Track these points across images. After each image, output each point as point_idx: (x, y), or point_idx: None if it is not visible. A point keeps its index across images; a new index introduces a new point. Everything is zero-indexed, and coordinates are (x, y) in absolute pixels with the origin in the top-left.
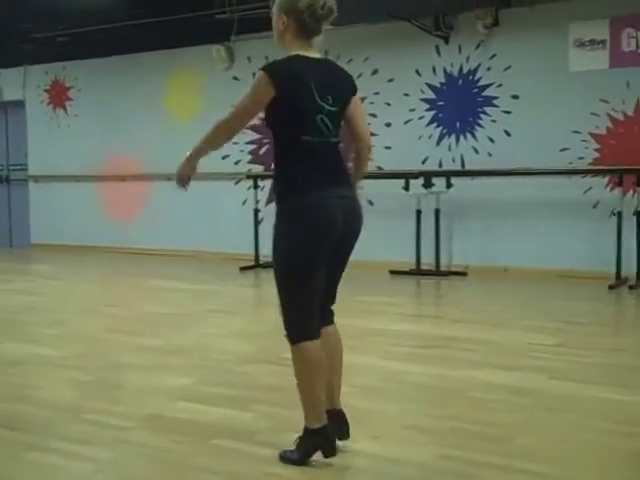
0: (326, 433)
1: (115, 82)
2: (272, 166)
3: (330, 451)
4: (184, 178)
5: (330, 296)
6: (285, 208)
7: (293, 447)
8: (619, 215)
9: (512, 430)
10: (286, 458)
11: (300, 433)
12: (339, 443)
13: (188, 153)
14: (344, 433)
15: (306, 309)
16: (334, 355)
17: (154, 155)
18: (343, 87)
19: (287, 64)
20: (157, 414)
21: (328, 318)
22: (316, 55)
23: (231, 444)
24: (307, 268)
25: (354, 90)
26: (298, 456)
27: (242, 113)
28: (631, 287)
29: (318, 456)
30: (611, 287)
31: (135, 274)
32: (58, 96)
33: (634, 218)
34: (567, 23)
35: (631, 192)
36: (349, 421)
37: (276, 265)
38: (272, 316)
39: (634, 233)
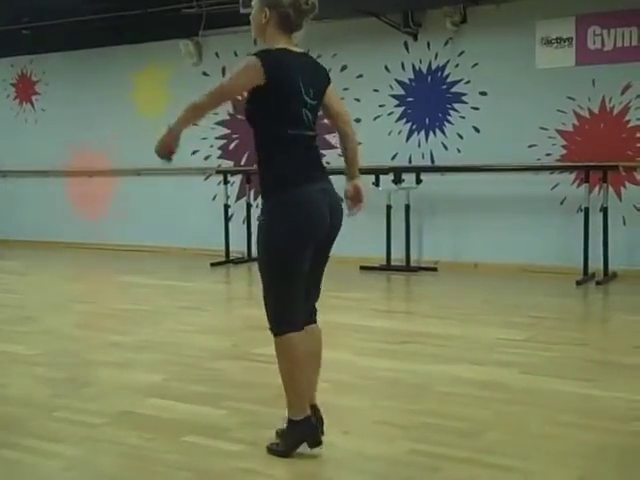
0: (310, 424)
1: (83, 76)
2: (256, 162)
3: (315, 442)
4: (170, 147)
5: (315, 291)
6: (274, 203)
7: (277, 440)
8: (586, 211)
9: (481, 425)
10: (273, 451)
11: (281, 426)
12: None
13: (168, 127)
14: (319, 430)
15: (291, 301)
16: (315, 353)
17: (122, 150)
18: (320, 80)
19: (278, 55)
20: (128, 411)
21: (312, 316)
22: (298, 50)
23: (203, 441)
24: (294, 263)
25: (328, 81)
26: (284, 448)
27: (220, 94)
28: (598, 283)
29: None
30: (578, 283)
31: (105, 270)
32: (25, 90)
33: (600, 214)
34: (534, 21)
35: (597, 188)
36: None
37: (263, 258)
38: (243, 312)
39: (600, 229)
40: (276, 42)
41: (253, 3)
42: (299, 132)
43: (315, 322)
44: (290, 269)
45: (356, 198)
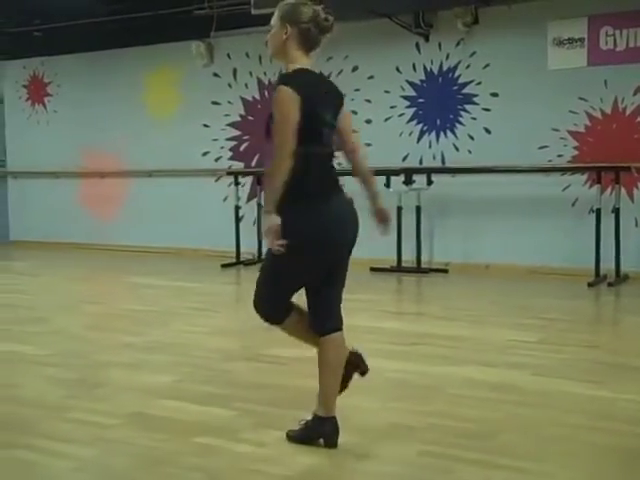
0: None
1: (94, 78)
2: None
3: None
4: (274, 232)
5: (337, 299)
6: (289, 216)
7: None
8: (598, 212)
9: (492, 426)
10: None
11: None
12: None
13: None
14: (334, 441)
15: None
16: (340, 361)
17: (134, 151)
18: (337, 100)
19: (303, 76)
20: (139, 412)
21: (339, 324)
22: (315, 71)
23: (214, 441)
24: (310, 276)
25: (342, 101)
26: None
27: (284, 141)
28: (610, 284)
29: (296, 453)
30: (590, 284)
31: (115, 271)
32: (37, 92)
33: (612, 215)
34: (546, 21)
35: (609, 189)
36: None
37: (270, 257)
38: (254, 313)
39: (612, 230)
40: (295, 60)
41: (273, 22)
42: (319, 150)
43: (341, 330)
44: (301, 276)
45: (384, 220)
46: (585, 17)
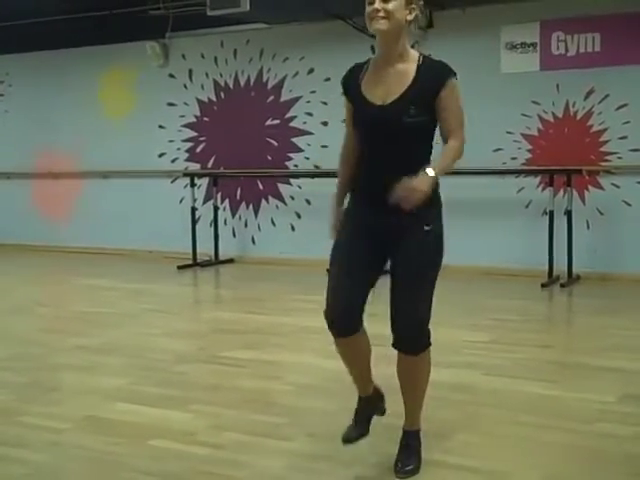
0: None
1: (48, 77)
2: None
3: None
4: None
5: None
6: (439, 211)
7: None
8: (551, 214)
9: (448, 426)
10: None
11: None
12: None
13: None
14: None
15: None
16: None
17: (88, 152)
18: None
19: None
20: (93, 415)
21: None
22: None
23: (169, 445)
24: None
25: None
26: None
27: None
28: (562, 285)
29: (253, 456)
30: (543, 285)
31: (69, 273)
32: None
33: (565, 217)
34: (499, 26)
35: (562, 192)
36: (286, 419)
37: (436, 268)
38: (210, 315)
39: (565, 232)
40: (406, 46)
41: None
42: None
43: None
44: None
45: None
46: (537, 22)
